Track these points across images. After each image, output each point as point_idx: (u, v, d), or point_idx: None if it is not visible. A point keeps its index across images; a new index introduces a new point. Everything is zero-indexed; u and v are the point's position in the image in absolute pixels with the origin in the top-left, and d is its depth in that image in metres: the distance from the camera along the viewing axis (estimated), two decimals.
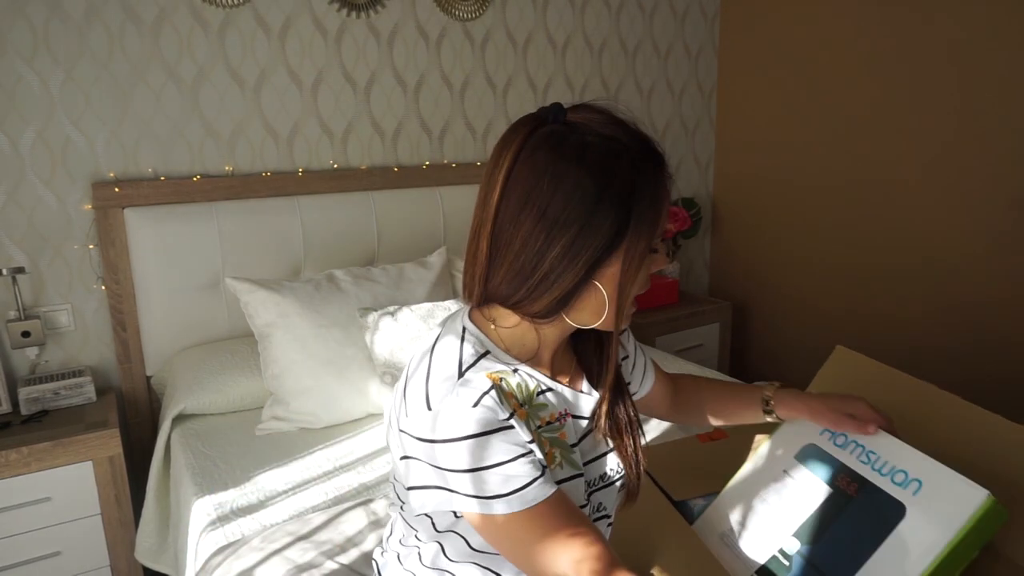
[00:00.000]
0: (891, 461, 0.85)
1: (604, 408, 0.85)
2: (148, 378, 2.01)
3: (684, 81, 2.96)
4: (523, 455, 0.73)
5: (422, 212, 2.31)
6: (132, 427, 2.00)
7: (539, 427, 0.79)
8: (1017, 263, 2.17)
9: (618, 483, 0.89)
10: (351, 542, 1.26)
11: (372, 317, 1.78)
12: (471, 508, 0.73)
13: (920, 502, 0.79)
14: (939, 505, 0.77)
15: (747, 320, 3.09)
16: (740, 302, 3.08)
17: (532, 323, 0.79)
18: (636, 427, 0.89)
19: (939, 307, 2.39)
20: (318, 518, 1.34)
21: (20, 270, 1.80)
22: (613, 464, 0.88)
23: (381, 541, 0.99)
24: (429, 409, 0.74)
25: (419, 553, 0.86)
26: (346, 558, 1.22)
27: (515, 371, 0.80)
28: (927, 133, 2.33)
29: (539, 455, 0.75)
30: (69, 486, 1.69)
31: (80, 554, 1.73)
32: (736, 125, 3.02)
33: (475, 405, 0.72)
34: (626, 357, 1.00)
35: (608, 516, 0.90)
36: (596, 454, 0.87)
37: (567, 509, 0.75)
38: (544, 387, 0.81)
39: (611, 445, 0.88)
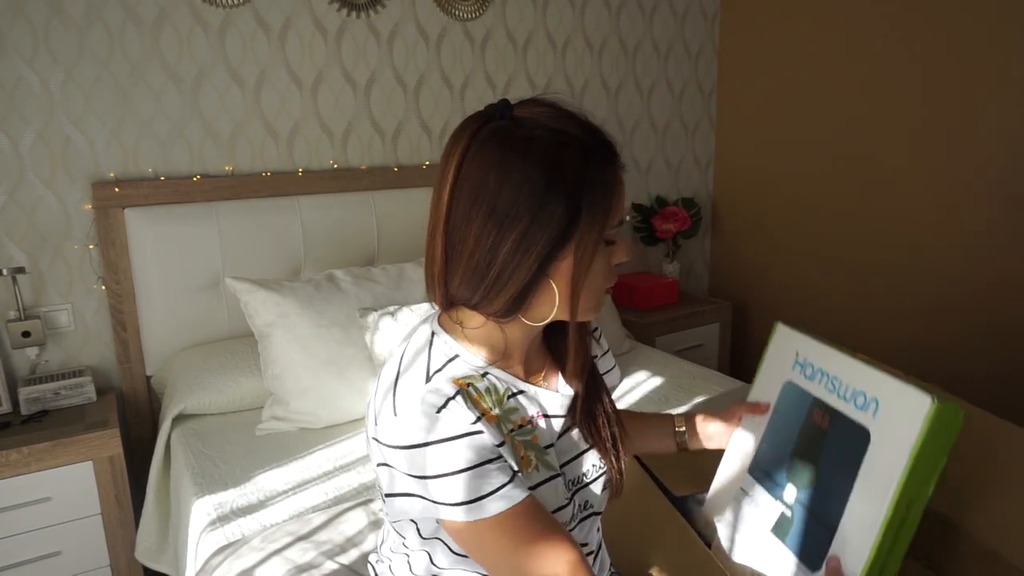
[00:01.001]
0: (852, 384, 0.83)
1: (580, 405, 0.85)
2: (148, 378, 2.01)
3: (684, 81, 2.96)
4: (491, 460, 0.72)
5: (422, 212, 2.28)
6: (132, 427, 2.01)
7: (512, 431, 0.78)
8: (1020, 263, 2.17)
9: (601, 479, 0.88)
10: (351, 542, 1.27)
11: (372, 317, 1.78)
12: (442, 514, 0.72)
13: (881, 423, 0.77)
14: (895, 422, 0.76)
15: (747, 320, 3.09)
16: (740, 302, 3.08)
17: (496, 323, 0.79)
18: (615, 422, 0.88)
19: (940, 306, 2.39)
20: (318, 518, 1.34)
21: (20, 270, 1.80)
22: (595, 460, 0.88)
23: (376, 547, 0.99)
24: (396, 415, 0.74)
25: (409, 562, 0.85)
26: (346, 558, 1.22)
27: (484, 375, 0.79)
28: (928, 132, 2.33)
29: (510, 460, 0.74)
30: (69, 486, 1.69)
31: (80, 554, 1.72)
32: (736, 125, 3.02)
33: (440, 410, 0.72)
34: (595, 356, 0.98)
35: (597, 513, 0.90)
36: (576, 452, 0.87)
37: (539, 515, 0.74)
38: (515, 390, 0.81)
39: (590, 442, 0.87)
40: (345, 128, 2.25)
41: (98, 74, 1.88)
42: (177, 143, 2.01)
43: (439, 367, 0.77)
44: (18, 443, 1.63)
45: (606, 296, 0.82)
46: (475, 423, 0.73)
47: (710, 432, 1.02)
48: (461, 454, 0.71)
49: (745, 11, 2.88)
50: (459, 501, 0.71)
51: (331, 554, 1.23)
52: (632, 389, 1.99)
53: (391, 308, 1.80)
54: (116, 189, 1.88)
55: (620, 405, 1.13)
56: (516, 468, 0.75)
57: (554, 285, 0.76)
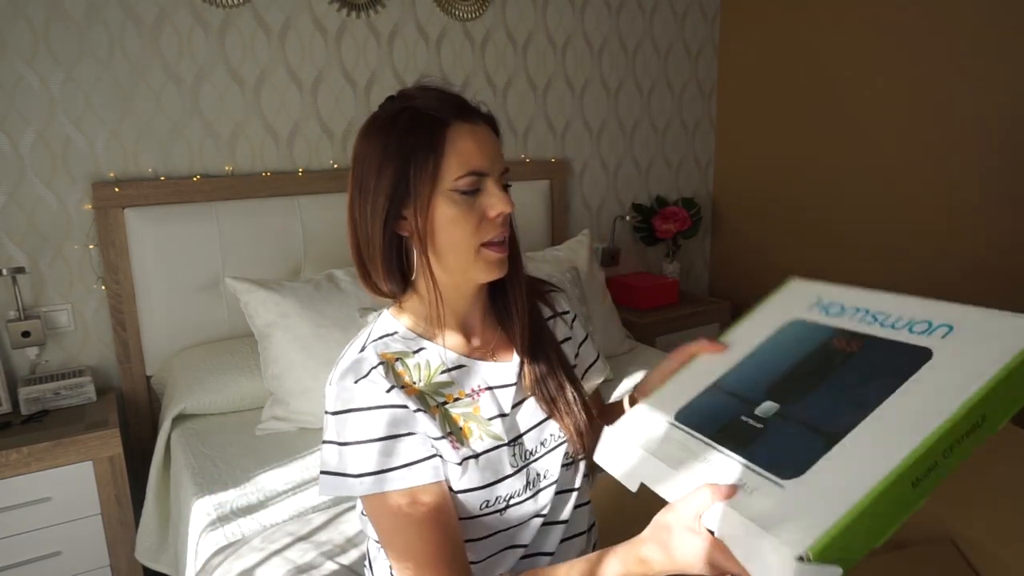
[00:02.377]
0: (906, 314, 0.66)
1: (525, 371, 0.87)
2: (148, 378, 2.01)
3: (684, 81, 2.96)
4: (402, 436, 0.76)
5: None
6: (132, 427, 2.00)
7: (444, 403, 0.81)
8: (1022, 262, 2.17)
9: (559, 449, 0.88)
10: (351, 543, 1.26)
11: (372, 317, 1.78)
12: (350, 487, 0.75)
13: (952, 344, 0.59)
14: (979, 342, 0.58)
15: None
16: (740, 302, 3.08)
17: (413, 294, 0.85)
18: (569, 389, 0.89)
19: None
20: (318, 518, 1.34)
21: (20, 270, 1.80)
22: (553, 430, 0.88)
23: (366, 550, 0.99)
24: (329, 384, 0.80)
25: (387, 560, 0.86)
26: (346, 559, 1.22)
27: (419, 351, 0.83)
28: (929, 132, 2.33)
29: (433, 430, 0.77)
30: (69, 486, 1.69)
31: (80, 554, 1.72)
32: (736, 125, 3.02)
33: (358, 380, 0.77)
34: (568, 339, 0.99)
35: (567, 490, 0.90)
36: (535, 421, 0.88)
37: (436, 508, 0.75)
38: (453, 365, 0.84)
39: (547, 412, 0.88)
40: (345, 128, 2.25)
41: (98, 74, 1.88)
42: (177, 143, 2.01)
43: (375, 339, 0.83)
44: (18, 443, 1.63)
45: (489, 253, 0.81)
46: (388, 392, 0.76)
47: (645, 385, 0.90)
48: (371, 425, 0.75)
49: (745, 11, 2.88)
50: (366, 471, 0.74)
51: (331, 554, 1.23)
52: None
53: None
54: (116, 189, 1.88)
55: None
56: (440, 435, 0.78)
57: (411, 243, 0.81)
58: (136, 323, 1.96)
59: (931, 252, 2.39)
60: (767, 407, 0.65)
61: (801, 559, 0.49)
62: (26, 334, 1.83)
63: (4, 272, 1.78)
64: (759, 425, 0.63)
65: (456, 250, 0.79)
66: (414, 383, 0.80)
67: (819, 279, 0.84)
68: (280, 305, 1.79)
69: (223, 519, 1.38)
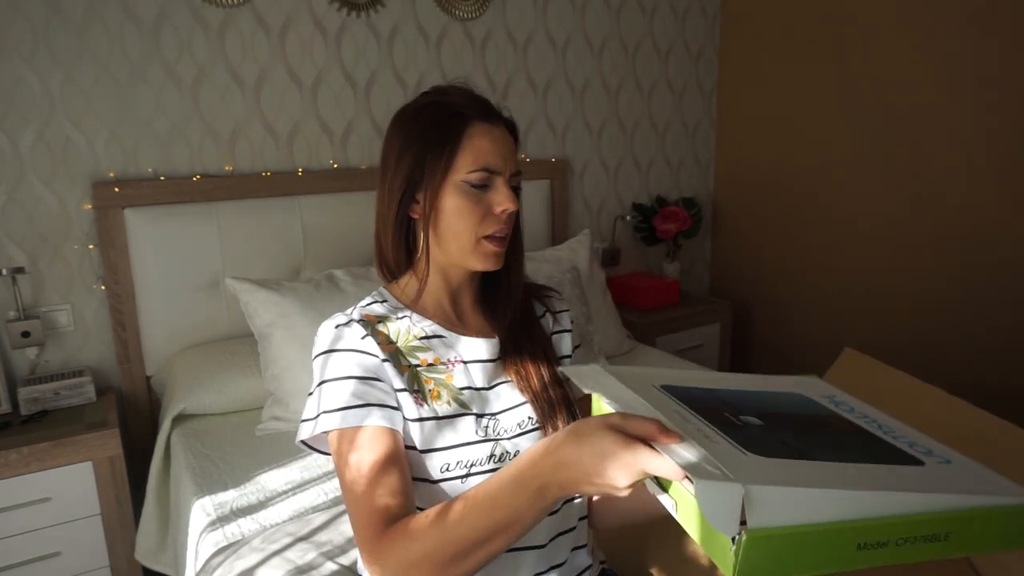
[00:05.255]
0: (912, 437, 0.63)
1: (503, 350, 0.91)
2: (148, 378, 2.01)
3: (684, 81, 2.95)
4: (369, 379, 0.81)
5: None
6: (132, 427, 2.00)
7: (417, 366, 0.87)
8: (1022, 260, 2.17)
9: (533, 435, 0.89)
10: (351, 543, 1.26)
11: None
12: (311, 427, 0.81)
13: (944, 470, 0.58)
14: (970, 480, 0.57)
15: (748, 320, 3.09)
16: (741, 302, 3.08)
17: (412, 276, 0.91)
18: (545, 378, 0.91)
19: (943, 307, 2.39)
20: (318, 518, 1.34)
21: (20, 270, 1.80)
22: (531, 413, 0.90)
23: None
24: (316, 335, 0.88)
25: None
26: (346, 559, 1.22)
27: (402, 318, 0.90)
28: (930, 129, 2.33)
29: (396, 382, 0.83)
30: (69, 486, 1.68)
31: (80, 554, 1.72)
32: (736, 125, 3.02)
33: (338, 327, 0.86)
34: (567, 331, 1.01)
35: None
36: (514, 403, 0.90)
37: (388, 449, 0.79)
38: (432, 333, 0.89)
39: (526, 396, 0.90)
40: (345, 128, 2.25)
41: (98, 74, 1.88)
42: (177, 143, 2.01)
43: (364, 304, 0.92)
44: (18, 443, 1.62)
45: (488, 245, 0.87)
46: (363, 339, 0.84)
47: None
48: (338, 363, 0.82)
49: (745, 10, 2.88)
50: (337, 407, 0.80)
51: (331, 555, 1.22)
52: None
53: None
54: (116, 189, 1.88)
55: None
56: (403, 387, 0.83)
57: (419, 227, 0.88)
58: (136, 323, 1.95)
59: (936, 249, 2.38)
60: (751, 419, 0.64)
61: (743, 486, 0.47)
62: (26, 334, 1.82)
63: (4, 272, 1.78)
64: (739, 423, 0.62)
65: (458, 238, 0.86)
66: (388, 342, 0.86)
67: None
68: (280, 305, 1.78)
69: (223, 519, 1.38)
